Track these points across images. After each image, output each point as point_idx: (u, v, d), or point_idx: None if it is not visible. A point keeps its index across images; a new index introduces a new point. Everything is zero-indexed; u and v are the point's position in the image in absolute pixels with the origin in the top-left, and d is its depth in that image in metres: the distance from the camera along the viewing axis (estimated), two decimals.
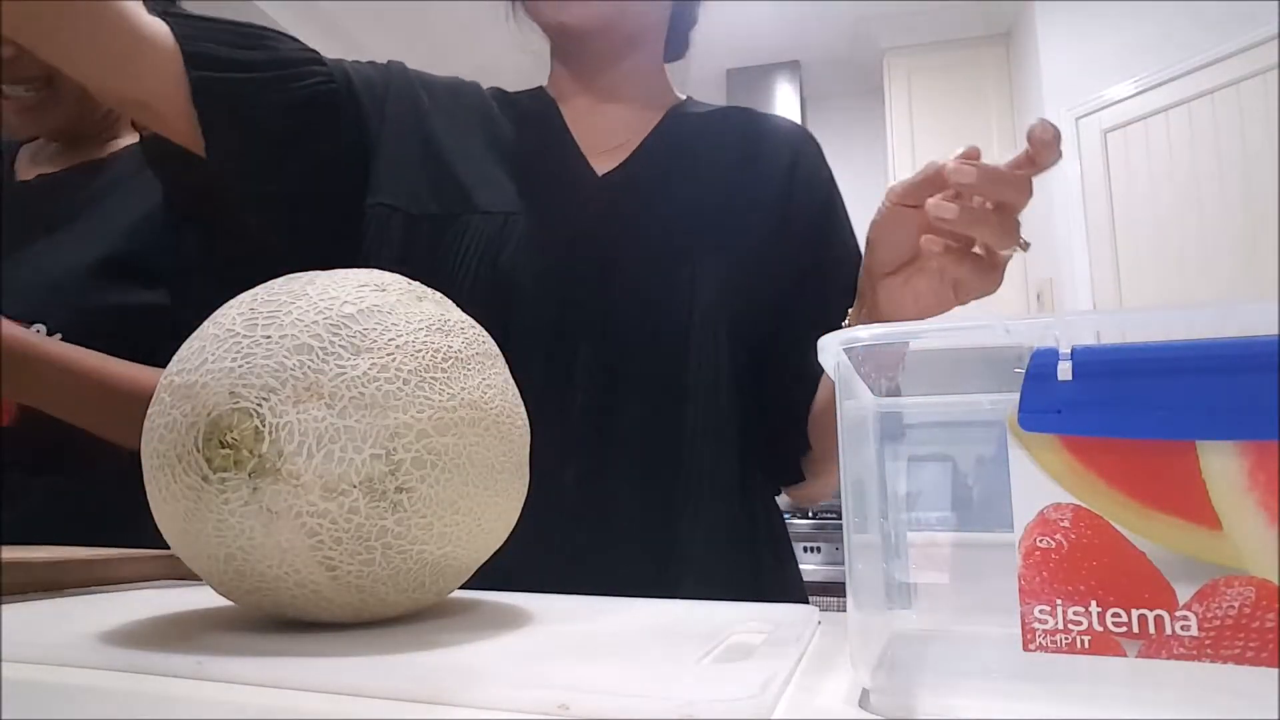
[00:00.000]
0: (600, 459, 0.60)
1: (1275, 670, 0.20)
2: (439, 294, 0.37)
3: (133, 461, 0.35)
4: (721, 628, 0.34)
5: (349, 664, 0.26)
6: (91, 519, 0.68)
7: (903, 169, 2.86)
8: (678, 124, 0.74)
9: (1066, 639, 0.22)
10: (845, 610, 0.26)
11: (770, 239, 0.68)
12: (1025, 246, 0.48)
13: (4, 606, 0.37)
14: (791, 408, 0.67)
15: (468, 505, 0.32)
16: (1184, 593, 0.21)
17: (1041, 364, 0.23)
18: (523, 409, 0.38)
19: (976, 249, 0.49)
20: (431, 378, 0.32)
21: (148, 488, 0.31)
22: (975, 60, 3.04)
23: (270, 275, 0.36)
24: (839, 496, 0.27)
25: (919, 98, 3.05)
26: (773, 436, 0.69)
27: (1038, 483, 0.23)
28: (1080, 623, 0.22)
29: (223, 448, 0.29)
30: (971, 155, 0.46)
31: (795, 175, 0.72)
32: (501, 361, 0.37)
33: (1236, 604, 0.21)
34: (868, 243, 0.55)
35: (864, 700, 0.24)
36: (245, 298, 0.33)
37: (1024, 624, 0.23)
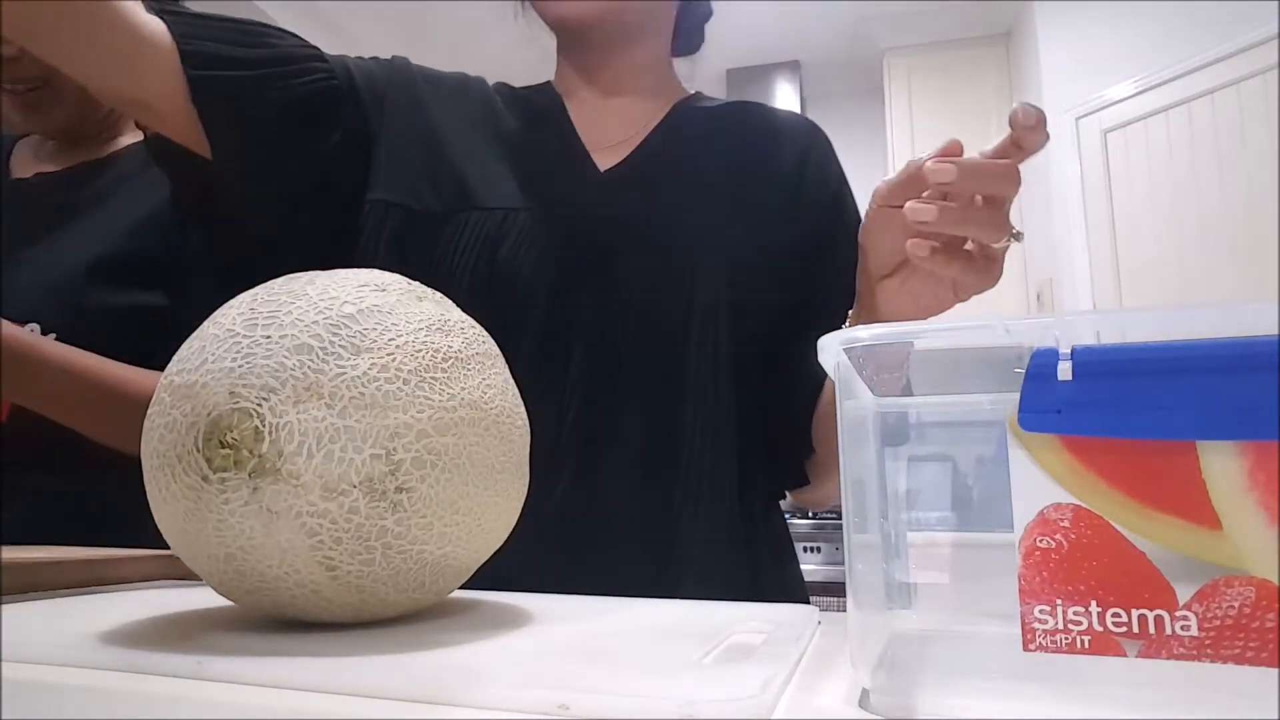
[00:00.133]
0: (598, 458, 0.60)
1: (1275, 670, 0.20)
2: (439, 294, 0.37)
3: (132, 462, 0.35)
4: (721, 628, 0.34)
5: (349, 664, 0.26)
6: (91, 519, 0.68)
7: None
8: (684, 119, 0.73)
9: (1066, 639, 0.22)
10: (845, 610, 0.26)
11: (776, 236, 0.67)
12: (1018, 237, 0.47)
13: (4, 606, 0.37)
14: (793, 409, 0.67)
15: (468, 505, 0.32)
16: (1184, 593, 0.21)
17: (1041, 364, 0.23)
18: (523, 409, 0.38)
19: (968, 245, 0.48)
20: (431, 378, 0.32)
21: (148, 488, 0.31)
22: (975, 60, 3.04)
23: (271, 274, 0.36)
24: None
25: (919, 98, 3.05)
26: (775, 438, 0.68)
27: (1038, 483, 0.23)
28: (1080, 623, 0.22)
29: (223, 448, 0.29)
30: (951, 151, 0.45)
31: (805, 171, 0.71)
32: (501, 361, 0.37)
33: (1236, 604, 0.21)
34: (860, 247, 0.54)
35: (864, 700, 0.24)
36: (245, 298, 0.33)
37: (1024, 624, 0.23)
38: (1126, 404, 0.22)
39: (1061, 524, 0.22)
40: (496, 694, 0.22)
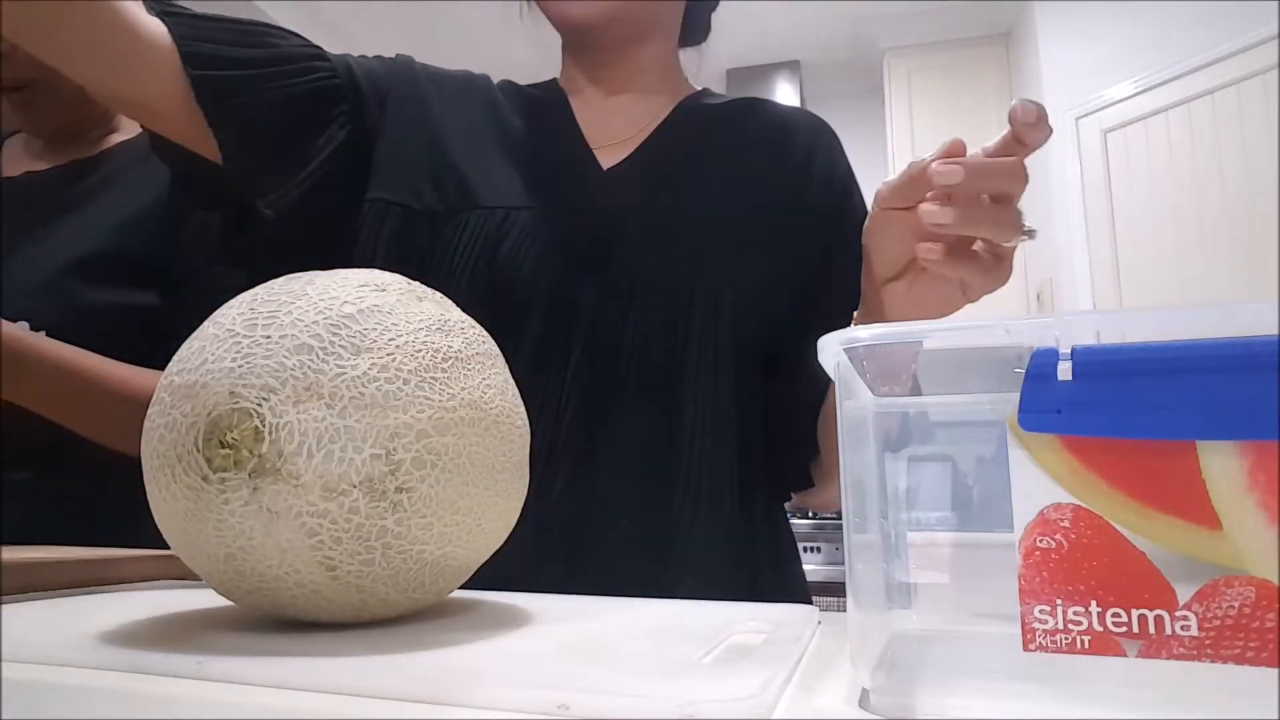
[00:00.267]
0: (597, 458, 0.60)
1: (1275, 670, 0.20)
2: (439, 294, 0.37)
3: (132, 462, 0.35)
4: (721, 628, 0.33)
5: (349, 664, 0.26)
6: (91, 519, 0.68)
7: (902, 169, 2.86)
8: (688, 116, 0.73)
9: (1066, 639, 0.22)
10: (845, 610, 0.26)
11: (780, 235, 0.67)
12: (1031, 234, 0.46)
13: (4, 606, 0.37)
14: (797, 409, 0.66)
15: (468, 505, 0.32)
16: (1184, 593, 0.21)
17: (1041, 364, 0.23)
18: (523, 409, 0.38)
19: (976, 245, 0.47)
20: (431, 378, 0.32)
21: (148, 488, 0.31)
22: (975, 60, 3.04)
23: (271, 274, 0.36)
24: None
25: (919, 98, 3.05)
26: (779, 440, 0.68)
27: (1038, 483, 0.23)
28: (1080, 623, 0.22)
29: (223, 448, 0.29)
30: (954, 151, 0.44)
31: (811, 169, 0.71)
32: (501, 361, 0.37)
33: (1236, 604, 0.21)
34: (864, 251, 0.54)
35: (864, 700, 0.24)
36: (245, 297, 0.33)
37: (1024, 624, 0.23)
38: (1126, 404, 0.22)
39: (1061, 524, 0.22)
40: (496, 694, 0.22)
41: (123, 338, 0.75)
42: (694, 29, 0.78)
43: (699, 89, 0.78)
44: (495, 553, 0.37)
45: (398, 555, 0.31)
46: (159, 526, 0.32)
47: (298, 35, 0.66)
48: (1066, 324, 0.23)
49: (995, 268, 0.47)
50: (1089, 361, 0.22)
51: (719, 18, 0.81)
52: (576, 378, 0.61)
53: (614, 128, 0.70)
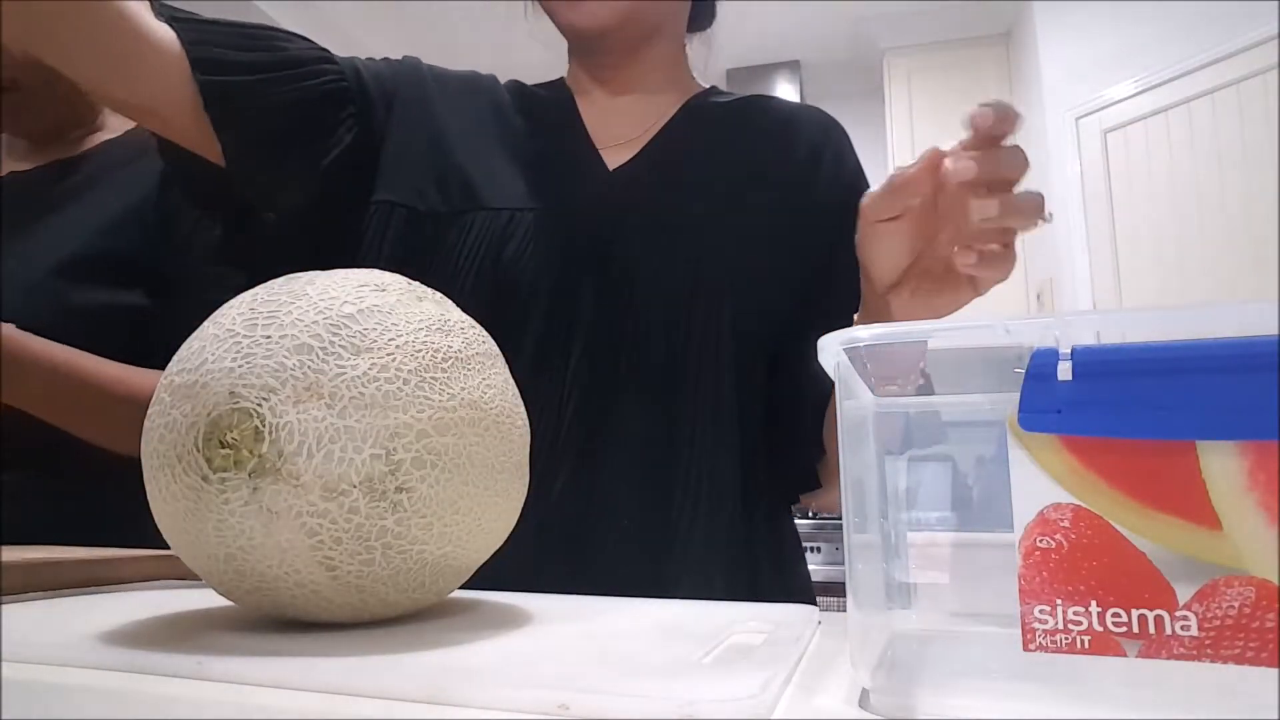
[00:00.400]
0: (597, 457, 0.60)
1: (1275, 670, 0.20)
2: (439, 294, 0.37)
3: (132, 462, 0.35)
4: (721, 628, 0.33)
5: (349, 664, 0.26)
6: (91, 519, 0.68)
7: None
8: (695, 115, 0.72)
9: (1066, 639, 0.22)
10: (845, 610, 0.26)
11: (785, 234, 0.67)
12: (1049, 218, 0.47)
13: (4, 606, 0.37)
14: (801, 409, 0.66)
15: (468, 505, 0.32)
16: (1184, 593, 0.21)
17: (1041, 364, 0.23)
18: (523, 409, 0.38)
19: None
20: (431, 378, 0.32)
21: (148, 488, 0.31)
22: (975, 60, 3.04)
23: (273, 275, 0.36)
24: None
25: (919, 98, 3.05)
26: (784, 440, 0.67)
27: (1038, 483, 0.23)
28: (1080, 623, 0.22)
29: (223, 448, 0.29)
30: (934, 160, 0.45)
31: (818, 166, 0.70)
32: (501, 361, 0.37)
33: (1236, 604, 0.21)
34: (860, 264, 0.54)
35: (864, 700, 0.24)
36: (245, 297, 0.33)
37: (1024, 624, 0.23)
38: (1126, 404, 0.22)
39: (1061, 524, 0.22)
40: (496, 694, 0.22)
41: (111, 338, 0.75)
42: (699, 15, 0.77)
43: (707, 87, 0.77)
44: (495, 553, 0.37)
45: (398, 555, 0.31)
46: (159, 526, 0.32)
47: (304, 38, 0.66)
48: (1066, 324, 0.23)
49: (1006, 258, 0.48)
50: (1089, 361, 0.22)
51: (720, 18, 0.81)
52: (577, 377, 0.61)
53: (620, 128, 0.70)
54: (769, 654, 0.28)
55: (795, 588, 0.68)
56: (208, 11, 0.62)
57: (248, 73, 0.60)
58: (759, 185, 0.68)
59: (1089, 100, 2.55)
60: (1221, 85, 2.22)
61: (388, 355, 0.31)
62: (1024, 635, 0.23)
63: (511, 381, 0.38)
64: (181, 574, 0.51)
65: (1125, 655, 0.22)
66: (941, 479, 0.28)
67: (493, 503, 0.34)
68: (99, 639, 0.29)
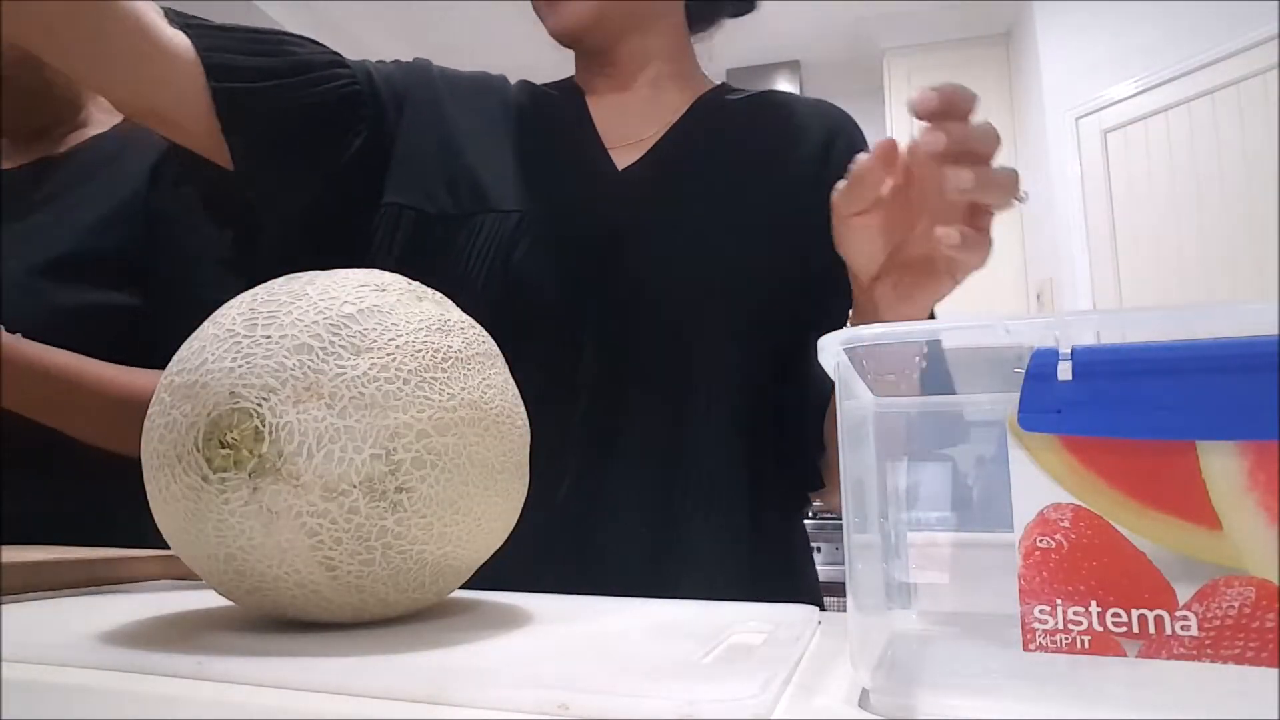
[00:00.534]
0: (603, 458, 0.60)
1: (1275, 670, 0.20)
2: (439, 294, 0.37)
3: (131, 462, 0.35)
4: (721, 628, 0.33)
5: (349, 664, 0.26)
6: (91, 519, 0.68)
7: None
8: (705, 113, 0.72)
9: (1066, 639, 0.22)
10: (845, 610, 0.26)
11: (793, 233, 0.66)
12: (1025, 197, 0.46)
13: (4, 606, 0.37)
14: (807, 408, 0.66)
15: (468, 505, 0.32)
16: (1184, 593, 0.21)
17: (1041, 364, 0.23)
18: (523, 409, 0.38)
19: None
20: (431, 378, 0.32)
21: (148, 488, 0.31)
22: (975, 60, 3.04)
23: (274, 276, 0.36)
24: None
25: None
26: (789, 438, 0.67)
27: (1038, 483, 0.23)
28: (1080, 623, 0.22)
29: (223, 448, 0.29)
30: (887, 149, 0.45)
31: (829, 162, 0.69)
32: (501, 361, 0.37)
33: (1236, 604, 0.21)
34: (841, 260, 0.54)
35: (864, 700, 0.24)
36: (245, 297, 0.33)
37: (1024, 624, 0.23)
38: (1126, 404, 0.22)
39: (1061, 524, 0.22)
40: (496, 694, 0.22)
41: (99, 338, 0.74)
42: (699, 15, 0.77)
43: (718, 84, 0.77)
44: (495, 553, 0.37)
45: (398, 555, 0.31)
46: (159, 526, 0.32)
47: (316, 42, 0.66)
48: (1066, 324, 0.23)
49: (982, 242, 0.47)
50: (1089, 361, 0.22)
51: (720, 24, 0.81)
52: (584, 379, 0.61)
53: (630, 127, 0.70)
54: (769, 654, 0.28)
55: (803, 589, 0.67)
56: (207, 11, 0.62)
57: (262, 78, 0.61)
58: (767, 183, 0.68)
59: (1089, 100, 2.55)
60: (1221, 85, 2.22)
61: (388, 355, 0.31)
62: (1024, 635, 0.23)
63: (511, 381, 0.38)
64: (182, 574, 0.51)
65: (1125, 655, 0.22)
66: (941, 479, 0.28)
67: (493, 503, 0.34)
68: (99, 639, 0.29)
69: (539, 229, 0.63)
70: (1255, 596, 0.21)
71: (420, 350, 0.32)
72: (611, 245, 0.63)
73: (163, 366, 0.33)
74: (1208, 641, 0.21)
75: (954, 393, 0.27)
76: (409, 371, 0.31)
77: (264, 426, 0.29)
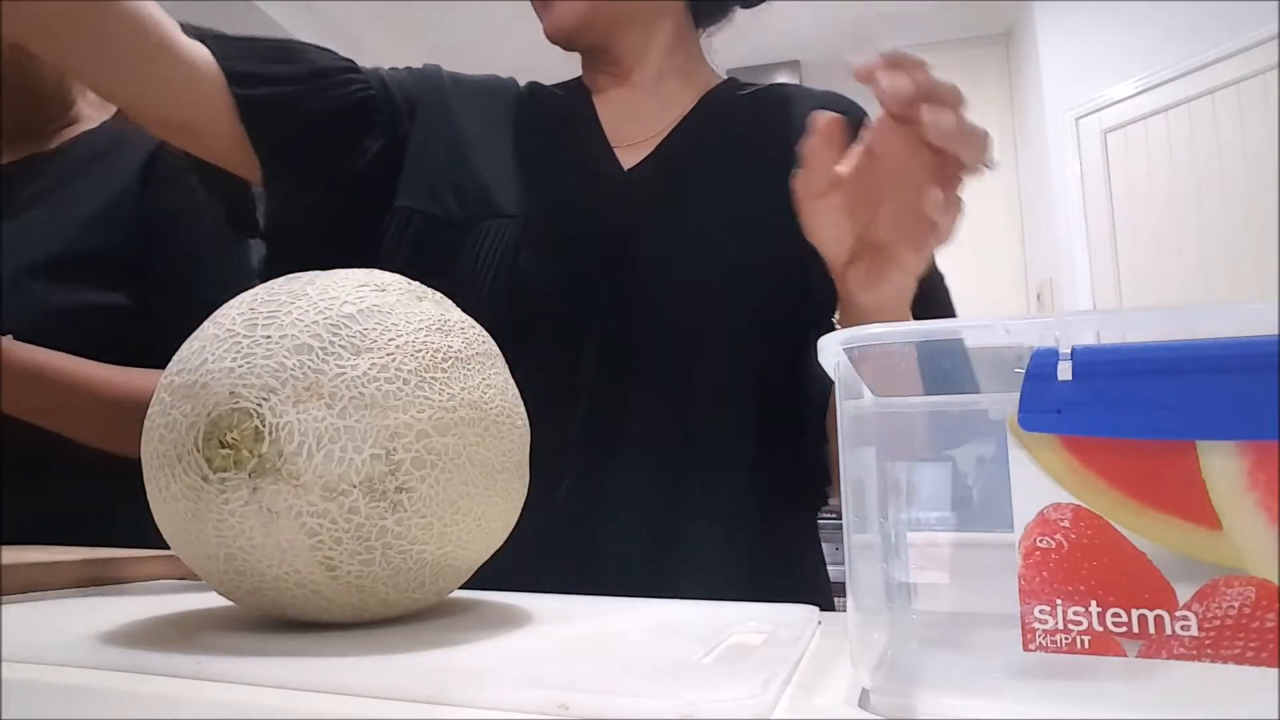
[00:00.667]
0: (604, 458, 0.60)
1: (1275, 670, 0.20)
2: (439, 294, 0.37)
3: (131, 462, 0.35)
4: (721, 628, 0.33)
5: (349, 664, 0.26)
6: (92, 519, 0.68)
7: None
8: (710, 110, 0.72)
9: (1066, 639, 0.22)
10: (845, 610, 0.26)
11: (796, 229, 0.66)
12: (994, 165, 0.46)
13: (4, 606, 0.37)
14: (805, 408, 0.66)
15: (468, 505, 0.32)
16: (1184, 593, 0.21)
17: (1041, 364, 0.23)
18: (523, 409, 0.38)
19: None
20: (431, 378, 0.32)
21: (148, 488, 0.31)
22: (975, 60, 3.04)
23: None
24: (840, 496, 0.27)
25: None
26: (790, 438, 0.66)
27: (1038, 483, 0.23)
28: (1080, 623, 0.22)
29: (223, 448, 0.29)
30: (830, 126, 0.46)
31: None
32: (501, 361, 0.37)
33: (1236, 604, 0.21)
34: (814, 249, 0.54)
35: (864, 700, 0.24)
36: (245, 297, 0.33)
37: (1024, 624, 0.23)
38: (1126, 404, 0.22)
39: (1061, 524, 0.22)
40: (496, 694, 0.22)
41: (93, 338, 0.74)
42: (703, 10, 0.76)
43: (726, 78, 0.76)
44: (495, 553, 0.37)
45: (398, 555, 0.31)
46: (159, 526, 0.32)
47: (329, 50, 0.67)
48: (1066, 324, 0.23)
49: (955, 206, 0.47)
50: (1089, 361, 0.22)
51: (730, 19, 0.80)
52: (584, 379, 0.60)
53: (636, 125, 0.70)
54: (769, 654, 0.28)
55: (807, 589, 0.67)
56: (208, 12, 0.63)
57: (282, 84, 0.61)
58: (770, 180, 0.68)
59: (1089, 100, 2.55)
60: (1221, 85, 2.22)
61: (388, 355, 0.31)
62: (1024, 635, 0.23)
63: (511, 381, 0.38)
64: (182, 574, 0.51)
65: (1125, 655, 0.22)
66: (941, 479, 0.27)
67: (493, 503, 0.34)
68: (99, 639, 0.29)
69: (543, 233, 0.63)
70: (1255, 596, 0.21)
71: (420, 350, 0.32)
72: (614, 246, 0.63)
73: (162, 366, 0.33)
74: (1208, 641, 0.21)
75: (979, 392, 0.27)
76: (409, 371, 0.31)
77: (264, 426, 0.29)
